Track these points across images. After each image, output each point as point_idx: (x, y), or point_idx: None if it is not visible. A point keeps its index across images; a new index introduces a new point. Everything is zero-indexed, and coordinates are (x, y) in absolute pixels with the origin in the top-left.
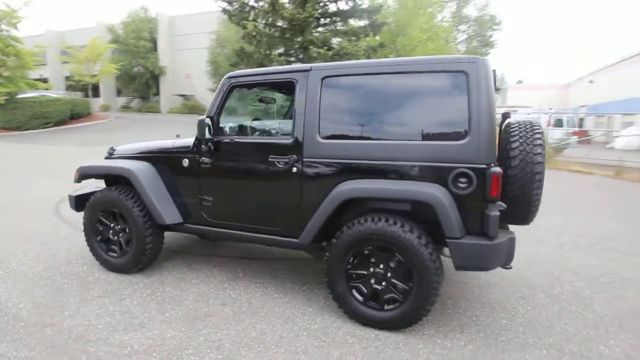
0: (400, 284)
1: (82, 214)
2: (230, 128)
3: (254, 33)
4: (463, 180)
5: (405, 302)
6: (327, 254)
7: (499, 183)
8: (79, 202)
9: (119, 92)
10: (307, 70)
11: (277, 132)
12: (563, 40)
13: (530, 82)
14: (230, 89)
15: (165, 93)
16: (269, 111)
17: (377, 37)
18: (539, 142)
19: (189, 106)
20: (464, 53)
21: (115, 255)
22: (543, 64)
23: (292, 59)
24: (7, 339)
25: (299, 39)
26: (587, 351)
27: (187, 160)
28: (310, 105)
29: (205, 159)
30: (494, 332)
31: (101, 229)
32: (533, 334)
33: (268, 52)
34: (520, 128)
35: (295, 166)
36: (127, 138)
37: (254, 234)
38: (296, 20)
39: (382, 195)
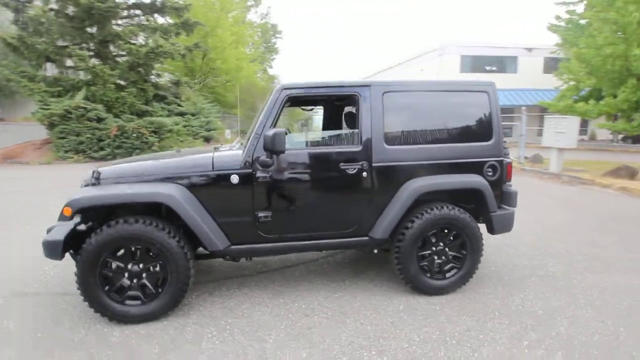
0: (457, 254)
1: None
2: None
3: (43, 20)
4: (490, 170)
5: (462, 268)
6: (399, 243)
7: (512, 170)
8: (65, 246)
9: None
10: (368, 86)
11: (339, 142)
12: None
13: None
14: (286, 101)
15: None
16: None
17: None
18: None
19: None
20: (255, 57)
21: (139, 302)
22: (321, 68)
23: (91, 53)
24: None
25: (94, 31)
26: (545, 271)
27: (236, 176)
28: (375, 117)
29: (262, 174)
30: (499, 276)
31: (111, 274)
32: (515, 270)
33: (64, 45)
34: None
35: (365, 171)
36: None
37: (323, 241)
38: (96, 9)
39: (450, 187)
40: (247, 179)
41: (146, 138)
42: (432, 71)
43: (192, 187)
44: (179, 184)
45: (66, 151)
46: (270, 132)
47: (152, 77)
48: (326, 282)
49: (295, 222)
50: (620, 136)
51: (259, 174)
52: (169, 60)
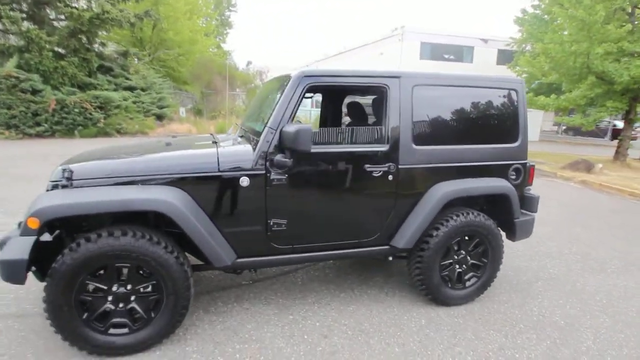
0: (477, 262)
1: None
2: None
3: None
4: (514, 173)
5: (482, 276)
6: (422, 253)
7: (534, 173)
8: (28, 265)
9: None
10: (398, 77)
11: (363, 140)
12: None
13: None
14: (307, 90)
15: None
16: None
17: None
18: None
19: None
20: (210, 30)
21: (126, 330)
22: (276, 46)
23: (24, 15)
24: None
25: None
26: (548, 274)
27: (247, 178)
28: (404, 113)
29: (277, 175)
30: (507, 280)
31: (90, 299)
32: (520, 273)
33: None
34: None
35: (391, 174)
36: None
37: (341, 251)
38: None
39: (479, 192)
40: (260, 182)
41: (90, 114)
42: (393, 56)
43: (193, 191)
44: (178, 187)
45: None
46: (292, 127)
47: (96, 46)
48: (333, 291)
49: (312, 231)
50: (563, 128)
51: (273, 175)
52: (115, 29)
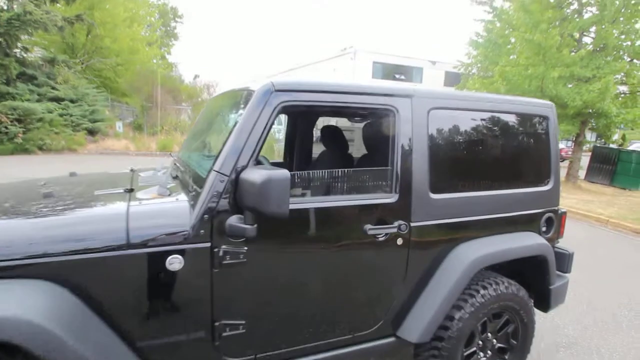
0: (504, 345)
1: None
2: None
3: None
4: (546, 225)
5: None
6: (439, 343)
7: (565, 222)
8: None
9: None
10: (409, 97)
11: (361, 187)
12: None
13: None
14: (278, 111)
15: None
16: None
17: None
18: None
19: None
20: (153, 40)
21: None
22: (226, 61)
23: None
24: None
25: None
26: (565, 337)
27: (179, 257)
28: (418, 147)
29: (232, 249)
30: None
31: None
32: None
33: None
34: None
35: (402, 236)
36: None
37: (329, 353)
38: None
39: (515, 255)
40: (201, 262)
41: (5, 127)
42: (345, 73)
43: (79, 285)
44: (49, 279)
45: None
46: (257, 174)
47: (17, 51)
48: None
49: (285, 331)
50: None
51: (223, 250)
52: (41, 33)
